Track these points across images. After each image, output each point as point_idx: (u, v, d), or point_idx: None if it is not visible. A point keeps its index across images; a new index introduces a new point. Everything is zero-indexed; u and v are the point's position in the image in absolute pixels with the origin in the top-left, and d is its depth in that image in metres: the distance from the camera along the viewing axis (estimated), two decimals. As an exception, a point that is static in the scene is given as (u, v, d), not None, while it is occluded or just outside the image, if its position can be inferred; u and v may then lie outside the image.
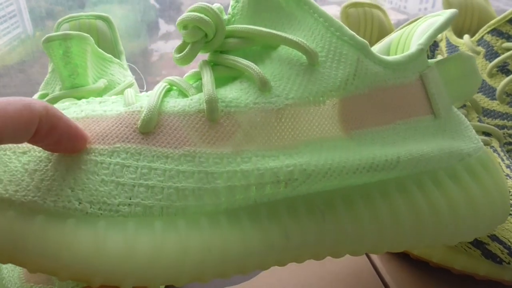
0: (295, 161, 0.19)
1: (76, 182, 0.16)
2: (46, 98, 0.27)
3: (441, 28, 0.23)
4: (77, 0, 0.73)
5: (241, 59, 0.20)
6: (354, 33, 0.21)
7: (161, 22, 0.82)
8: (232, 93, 0.20)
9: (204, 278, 0.18)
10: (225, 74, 0.21)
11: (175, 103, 0.19)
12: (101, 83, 0.27)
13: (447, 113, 0.23)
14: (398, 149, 0.20)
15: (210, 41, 0.21)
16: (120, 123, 0.18)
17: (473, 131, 0.24)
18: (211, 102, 0.19)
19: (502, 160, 0.30)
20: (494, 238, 0.26)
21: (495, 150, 0.31)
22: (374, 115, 0.21)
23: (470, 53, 0.24)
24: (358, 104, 0.20)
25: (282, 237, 0.19)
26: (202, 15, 0.20)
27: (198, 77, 0.22)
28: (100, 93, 0.27)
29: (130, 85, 0.29)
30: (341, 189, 0.20)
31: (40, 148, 0.17)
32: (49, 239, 0.15)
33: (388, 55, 0.26)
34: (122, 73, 0.30)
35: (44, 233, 0.16)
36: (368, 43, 0.21)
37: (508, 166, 0.30)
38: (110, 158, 0.17)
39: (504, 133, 0.33)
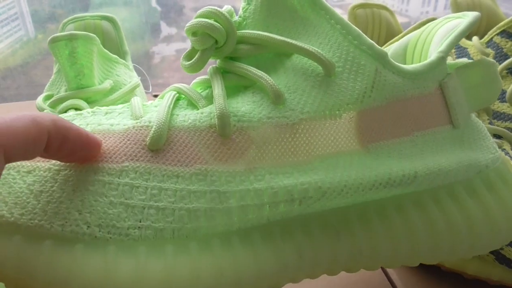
0: (309, 179, 0.18)
1: (84, 205, 0.16)
2: (52, 99, 0.26)
3: (463, 33, 0.22)
4: (78, 3, 0.73)
5: (253, 68, 0.19)
6: (373, 42, 0.20)
7: (163, 24, 0.82)
8: (245, 106, 0.19)
9: None
10: (236, 83, 0.20)
11: (184, 117, 0.19)
12: (107, 84, 0.27)
13: (466, 122, 0.22)
14: (415, 163, 0.20)
15: (221, 48, 0.20)
16: (128, 140, 0.18)
17: (491, 139, 0.23)
18: (223, 118, 0.18)
19: (515, 162, 0.30)
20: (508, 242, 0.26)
21: (506, 153, 0.31)
22: (392, 127, 0.20)
23: (492, 60, 0.23)
24: (375, 116, 0.19)
25: (296, 256, 0.18)
26: (212, 21, 0.19)
27: (207, 84, 0.21)
28: (106, 94, 0.27)
29: (136, 86, 0.29)
30: (356, 205, 0.19)
31: (45, 168, 0.17)
32: (57, 265, 0.15)
33: (405, 57, 0.26)
34: (128, 74, 0.29)
35: (52, 259, 0.15)
36: (387, 53, 0.20)
37: (520, 169, 0.29)
38: (119, 178, 0.17)
39: (514, 136, 0.33)
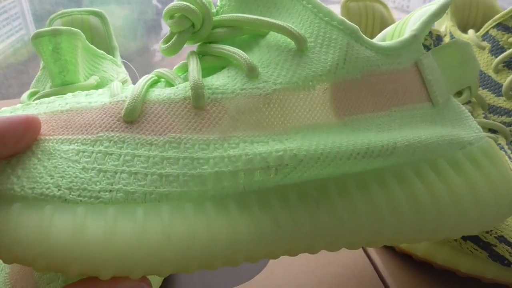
0: (285, 146, 0.18)
1: (57, 170, 0.16)
2: (36, 96, 0.26)
3: (435, 15, 0.22)
4: (81, 1, 0.73)
5: (228, 46, 0.20)
6: (344, 18, 0.20)
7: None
8: (219, 80, 0.19)
9: (189, 268, 0.17)
10: (213, 64, 0.21)
11: (160, 92, 0.19)
12: (93, 80, 0.27)
13: (446, 101, 0.22)
14: (394, 135, 0.20)
15: (197, 32, 0.21)
16: (104, 113, 0.18)
17: (474, 121, 0.23)
18: (197, 89, 0.18)
19: (510, 158, 0.29)
20: (501, 239, 0.25)
21: (502, 148, 0.30)
22: (369, 101, 0.20)
23: (466, 40, 0.24)
24: (350, 89, 0.20)
25: (273, 226, 0.18)
26: (188, 4, 0.20)
27: (186, 68, 0.21)
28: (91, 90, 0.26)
29: (123, 82, 0.28)
30: (335, 177, 0.19)
31: None
32: (25, 227, 0.15)
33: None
34: (115, 70, 0.29)
35: (20, 221, 0.15)
36: (358, 28, 0.20)
37: (516, 164, 0.29)
38: (93, 147, 0.17)
39: (511, 130, 0.32)
